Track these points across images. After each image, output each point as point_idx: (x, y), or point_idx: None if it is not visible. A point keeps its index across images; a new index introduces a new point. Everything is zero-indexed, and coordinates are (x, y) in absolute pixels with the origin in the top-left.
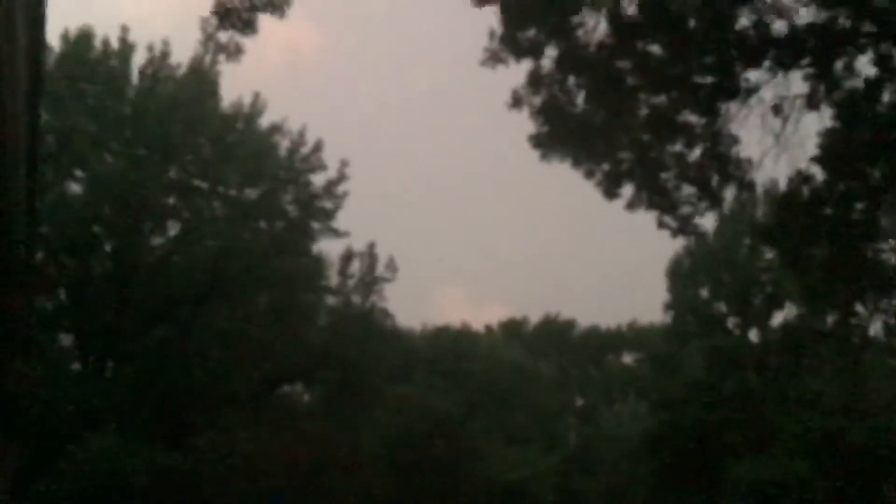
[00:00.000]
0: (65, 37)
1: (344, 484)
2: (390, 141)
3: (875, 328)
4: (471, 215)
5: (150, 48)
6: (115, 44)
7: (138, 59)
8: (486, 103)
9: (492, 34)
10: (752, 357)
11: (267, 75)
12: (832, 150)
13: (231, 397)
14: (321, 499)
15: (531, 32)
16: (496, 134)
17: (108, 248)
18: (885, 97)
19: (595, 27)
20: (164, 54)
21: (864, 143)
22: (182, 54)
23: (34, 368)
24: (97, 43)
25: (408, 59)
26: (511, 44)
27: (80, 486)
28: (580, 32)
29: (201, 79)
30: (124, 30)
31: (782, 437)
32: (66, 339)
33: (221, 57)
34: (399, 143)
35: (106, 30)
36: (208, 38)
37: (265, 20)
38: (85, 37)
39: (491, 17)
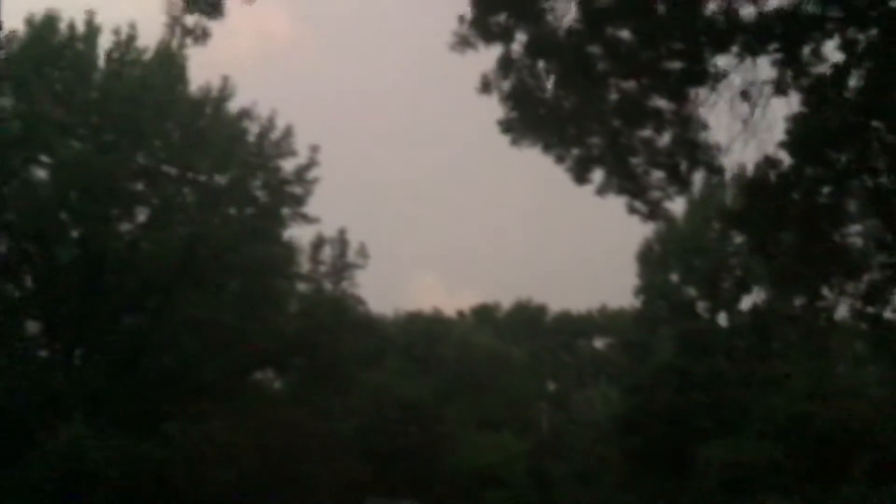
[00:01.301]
0: (30, 21)
1: (318, 471)
2: (362, 127)
3: (842, 312)
4: (444, 202)
5: (117, 32)
6: (80, 27)
7: (105, 42)
8: (459, 89)
9: (461, 18)
10: (722, 341)
11: (238, 62)
12: (800, 136)
13: (203, 385)
14: (295, 486)
15: (501, 17)
16: (469, 119)
17: (75, 234)
18: (852, 82)
19: (565, 12)
20: (131, 38)
21: (831, 129)
22: (150, 38)
23: None
24: (63, 27)
25: (379, 45)
26: (481, 28)
27: (49, 475)
28: (550, 17)
29: (169, 63)
30: (90, 13)
31: (751, 419)
32: (33, 327)
33: (189, 41)
34: (370, 129)
35: (72, 13)
36: (174, 21)
37: (234, 4)
38: (50, 21)
39: (462, 3)
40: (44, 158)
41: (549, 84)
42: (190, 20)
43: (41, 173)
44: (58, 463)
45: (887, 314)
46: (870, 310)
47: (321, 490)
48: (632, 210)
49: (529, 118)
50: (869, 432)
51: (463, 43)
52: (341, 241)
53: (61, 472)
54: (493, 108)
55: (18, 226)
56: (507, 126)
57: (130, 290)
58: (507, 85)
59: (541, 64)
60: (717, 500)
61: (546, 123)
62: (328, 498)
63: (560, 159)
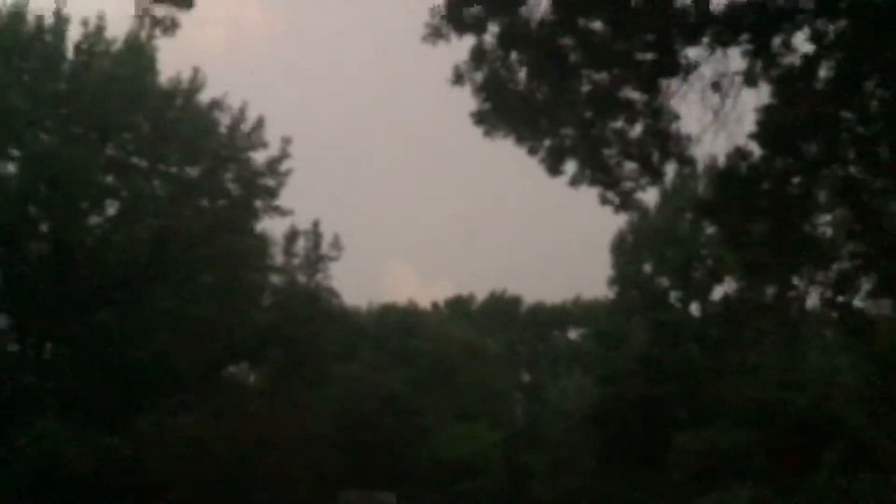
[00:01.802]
0: None
1: (292, 464)
2: (335, 118)
3: (812, 300)
4: (418, 193)
5: (85, 23)
6: (49, 19)
7: (73, 34)
8: (432, 79)
9: (434, 10)
10: (694, 330)
11: (209, 52)
12: (770, 127)
13: (176, 379)
14: (270, 479)
15: (474, 8)
16: (442, 110)
17: (44, 228)
18: (822, 73)
19: (537, 3)
20: (100, 29)
21: (800, 120)
22: (119, 28)
23: None
24: (31, 18)
25: (351, 35)
26: (454, 19)
27: (20, 470)
28: (523, 8)
29: (138, 54)
30: (58, 4)
31: (724, 408)
32: (2, 322)
33: (158, 31)
34: (344, 119)
35: (40, 4)
36: (143, 12)
37: None
38: (18, 12)
39: None
40: (12, 151)
41: (522, 75)
42: (159, 10)
43: (10, 166)
44: (29, 458)
45: (857, 302)
46: (840, 298)
47: (296, 483)
48: (604, 201)
49: (502, 110)
50: (840, 420)
51: (435, 34)
52: (315, 233)
53: (32, 467)
54: (467, 99)
55: None
56: (479, 118)
57: (101, 283)
58: (479, 76)
59: (513, 55)
60: (690, 488)
61: (518, 115)
62: (303, 491)
63: (533, 151)
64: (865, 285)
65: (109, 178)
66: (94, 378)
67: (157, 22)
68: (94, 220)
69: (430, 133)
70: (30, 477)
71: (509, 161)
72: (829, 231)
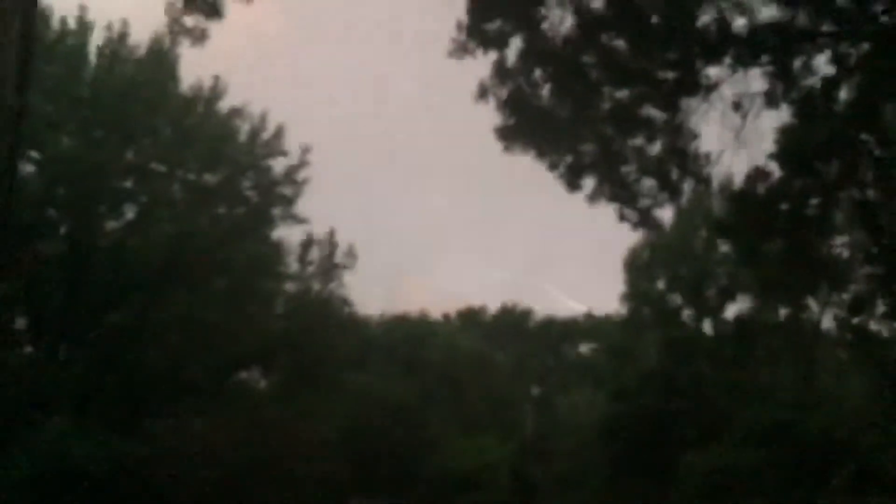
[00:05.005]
0: None
1: (301, 471)
2: (355, 127)
3: (827, 321)
4: (436, 201)
5: (109, 28)
6: (72, 23)
7: (97, 39)
8: (454, 92)
9: (459, 25)
10: (706, 348)
11: (229, 58)
12: (789, 148)
13: (188, 383)
14: (278, 486)
15: (497, 24)
16: (463, 118)
17: (62, 230)
18: (842, 96)
19: (561, 20)
20: (123, 34)
21: (820, 141)
22: (143, 34)
23: None
24: (55, 22)
25: (374, 44)
26: (477, 35)
27: (33, 472)
28: (546, 25)
29: (160, 60)
30: (82, 9)
31: (734, 427)
32: (19, 323)
33: (183, 39)
34: (364, 129)
35: (64, 9)
36: (174, 22)
37: (230, 3)
38: (42, 16)
39: (460, 5)
40: (33, 154)
41: (545, 91)
42: (189, 20)
43: (29, 168)
44: (42, 459)
45: (872, 325)
46: (855, 321)
47: (305, 490)
48: (622, 217)
49: (524, 125)
50: (851, 441)
51: (461, 49)
52: (330, 242)
53: (45, 469)
54: (484, 109)
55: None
56: (503, 133)
57: (117, 286)
58: (503, 92)
59: (537, 71)
60: None
61: (541, 130)
62: (311, 498)
63: (553, 166)
64: (880, 308)
65: (128, 183)
66: (107, 380)
67: (186, 32)
68: (111, 223)
69: (450, 141)
70: (43, 478)
71: (523, 173)
72: (845, 253)
